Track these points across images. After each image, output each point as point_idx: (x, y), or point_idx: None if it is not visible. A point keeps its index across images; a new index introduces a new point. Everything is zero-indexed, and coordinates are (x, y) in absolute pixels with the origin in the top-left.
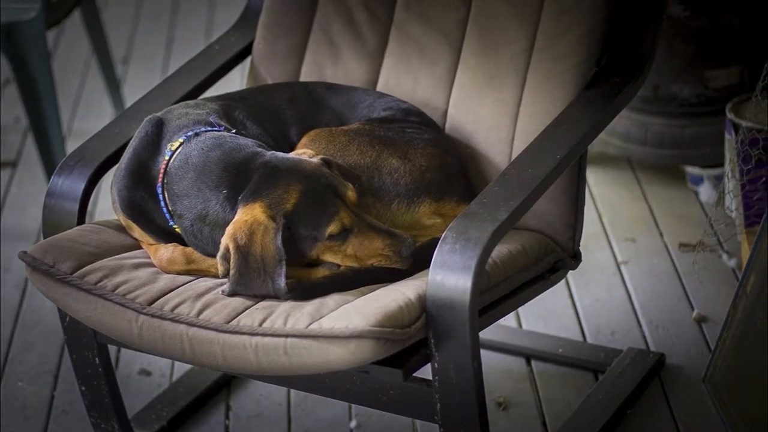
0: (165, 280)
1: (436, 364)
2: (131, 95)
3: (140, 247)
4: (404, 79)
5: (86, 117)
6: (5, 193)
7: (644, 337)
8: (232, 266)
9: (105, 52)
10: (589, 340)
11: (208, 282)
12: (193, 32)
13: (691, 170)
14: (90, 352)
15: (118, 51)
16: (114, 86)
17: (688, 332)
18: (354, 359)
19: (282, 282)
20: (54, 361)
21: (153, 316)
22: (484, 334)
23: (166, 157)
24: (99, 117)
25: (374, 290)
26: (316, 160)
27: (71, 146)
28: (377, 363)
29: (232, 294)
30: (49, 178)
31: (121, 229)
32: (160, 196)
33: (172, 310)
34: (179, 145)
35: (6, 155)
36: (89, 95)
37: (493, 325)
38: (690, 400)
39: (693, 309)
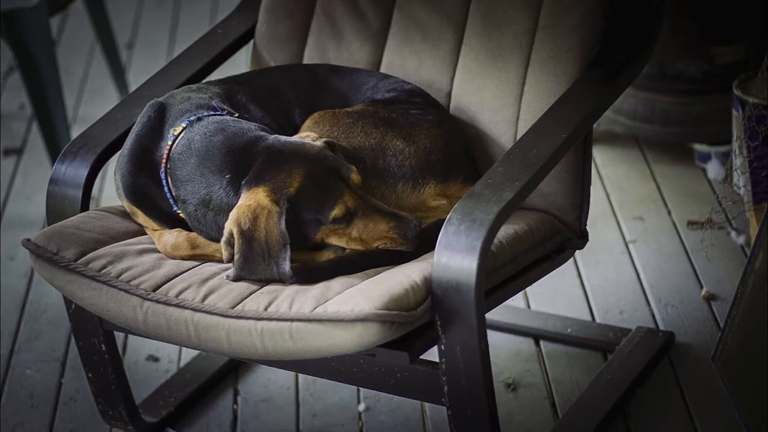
0: (169, 266)
1: (442, 347)
2: (136, 81)
3: (144, 233)
4: (408, 60)
5: (91, 103)
6: (11, 180)
7: (653, 316)
8: (236, 251)
9: (109, 38)
10: (597, 319)
11: (212, 267)
12: (198, 17)
13: (699, 148)
14: (96, 339)
15: (123, 36)
16: (119, 72)
17: (697, 310)
18: (360, 342)
19: (287, 266)
20: (61, 348)
21: (158, 302)
22: (493, 315)
23: (169, 142)
24: (104, 103)
25: (379, 273)
26: (319, 143)
27: (76, 133)
28: (383, 346)
29: (236, 279)
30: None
31: (125, 215)
32: (164, 182)
33: (177, 295)
34: (182, 130)
35: (11, 143)
36: (94, 81)
37: (501, 305)
38: (699, 379)
39: (702, 287)
